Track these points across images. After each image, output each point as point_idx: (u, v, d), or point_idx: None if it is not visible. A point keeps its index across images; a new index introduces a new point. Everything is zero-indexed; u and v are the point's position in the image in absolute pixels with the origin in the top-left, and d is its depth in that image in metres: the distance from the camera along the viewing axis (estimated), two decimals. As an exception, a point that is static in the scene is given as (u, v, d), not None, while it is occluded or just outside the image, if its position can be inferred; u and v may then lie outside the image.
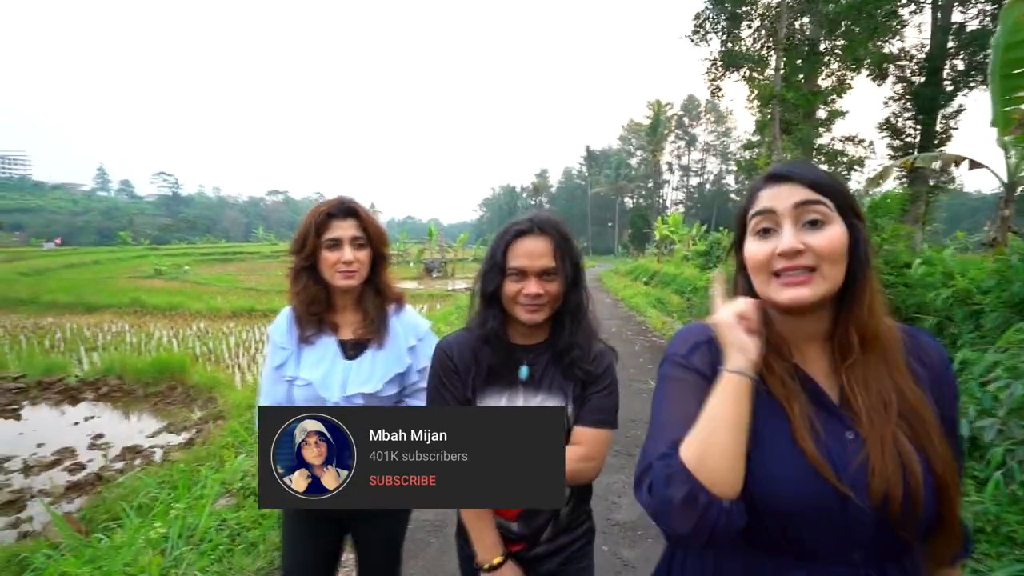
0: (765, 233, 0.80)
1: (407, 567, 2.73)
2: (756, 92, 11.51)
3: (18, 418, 6.09)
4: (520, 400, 1.24)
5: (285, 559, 1.59)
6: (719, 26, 11.61)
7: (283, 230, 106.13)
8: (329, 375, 1.46)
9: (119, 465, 4.68)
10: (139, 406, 6.49)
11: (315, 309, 1.49)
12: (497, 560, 1.22)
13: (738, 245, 0.87)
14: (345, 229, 1.45)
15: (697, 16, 11.65)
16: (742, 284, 0.88)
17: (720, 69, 12.08)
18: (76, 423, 5.90)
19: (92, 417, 6.10)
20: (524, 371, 1.25)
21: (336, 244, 1.45)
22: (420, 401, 1.55)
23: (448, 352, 1.26)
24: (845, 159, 15.25)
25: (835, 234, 0.76)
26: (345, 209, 1.47)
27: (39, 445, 5.17)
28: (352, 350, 1.51)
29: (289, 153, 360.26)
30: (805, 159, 17.03)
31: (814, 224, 0.76)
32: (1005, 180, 6.46)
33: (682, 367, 0.86)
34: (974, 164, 7.52)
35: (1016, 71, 5.30)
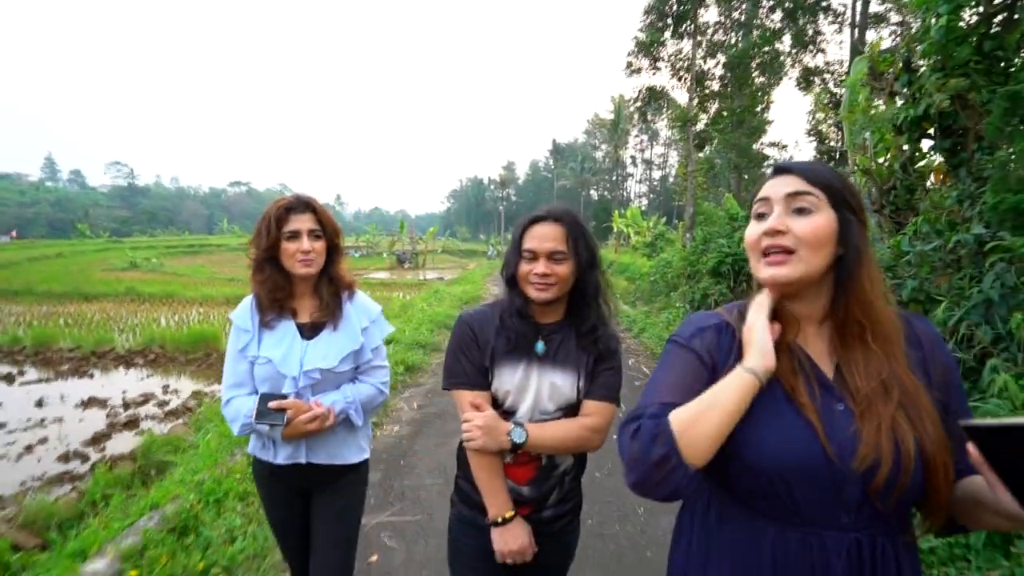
0: (760, 217, 0.88)
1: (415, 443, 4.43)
2: (674, 114, 13.69)
3: (91, 377, 7.50)
4: (535, 373, 1.31)
5: (268, 515, 1.76)
6: (645, 63, 13.72)
7: (248, 222, 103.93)
8: (289, 354, 1.58)
9: (194, 403, 6.21)
10: (184, 369, 7.95)
11: (278, 295, 1.60)
12: (509, 514, 1.29)
13: None
14: (303, 222, 1.57)
15: (628, 54, 13.74)
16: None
17: (647, 99, 14.19)
18: (141, 379, 7.38)
19: (151, 375, 7.58)
20: (540, 346, 1.32)
21: (295, 235, 1.56)
22: (375, 378, 1.71)
23: (470, 323, 1.35)
24: (770, 162, 17.64)
25: (819, 222, 0.82)
26: (302, 204, 1.59)
27: (123, 392, 6.63)
28: (310, 332, 1.63)
29: (251, 143, 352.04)
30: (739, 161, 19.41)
31: (801, 211, 0.83)
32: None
33: (682, 347, 0.94)
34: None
35: (854, 111, 7.32)
